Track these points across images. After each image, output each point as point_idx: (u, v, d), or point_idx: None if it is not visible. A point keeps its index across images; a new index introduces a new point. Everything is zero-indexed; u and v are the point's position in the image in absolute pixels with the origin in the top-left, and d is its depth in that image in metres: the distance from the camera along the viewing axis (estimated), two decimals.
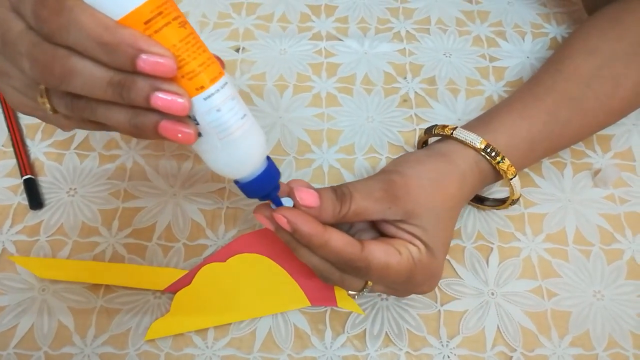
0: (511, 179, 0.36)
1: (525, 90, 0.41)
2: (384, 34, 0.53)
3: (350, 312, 0.38)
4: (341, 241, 0.31)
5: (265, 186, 0.30)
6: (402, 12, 0.55)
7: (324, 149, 0.45)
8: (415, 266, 0.32)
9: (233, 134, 0.27)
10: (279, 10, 0.54)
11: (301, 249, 0.32)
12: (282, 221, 0.30)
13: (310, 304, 0.37)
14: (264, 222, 0.32)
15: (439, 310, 0.38)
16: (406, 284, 0.33)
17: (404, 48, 0.52)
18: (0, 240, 0.39)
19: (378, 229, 0.35)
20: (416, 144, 0.44)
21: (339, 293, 0.38)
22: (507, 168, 0.36)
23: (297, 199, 0.31)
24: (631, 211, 0.43)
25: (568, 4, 0.56)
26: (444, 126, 0.37)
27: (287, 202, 0.31)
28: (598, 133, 0.46)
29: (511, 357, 0.36)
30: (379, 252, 0.31)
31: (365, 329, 0.37)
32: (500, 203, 0.41)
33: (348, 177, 0.44)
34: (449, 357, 0.36)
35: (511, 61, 0.52)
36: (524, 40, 0.53)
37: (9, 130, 0.44)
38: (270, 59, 0.51)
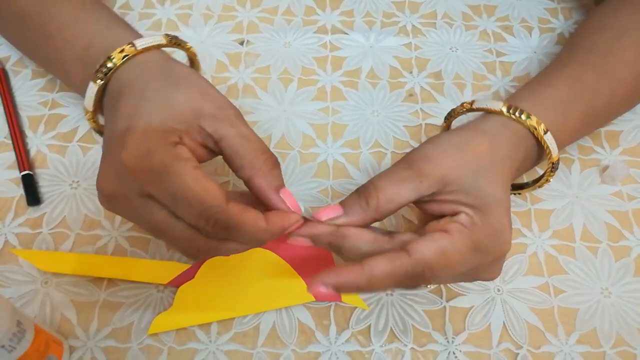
0: (544, 135, 0.34)
1: (545, 68, 0.41)
2: (389, 28, 0.53)
3: (355, 308, 0.37)
4: (385, 262, 0.28)
5: None
6: (408, 5, 0.54)
7: (328, 143, 0.45)
8: (473, 233, 0.29)
9: None
10: (284, 3, 0.54)
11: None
12: (323, 292, 0.29)
13: (314, 299, 0.37)
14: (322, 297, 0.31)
15: (445, 306, 0.38)
16: (477, 257, 0.30)
17: (410, 42, 0.52)
18: (3, 232, 0.39)
19: (425, 217, 0.33)
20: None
21: None
22: (537, 124, 0.34)
23: (319, 219, 0.31)
24: (639, 208, 0.42)
25: None
26: (462, 104, 0.36)
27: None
28: (606, 128, 0.46)
29: (517, 354, 0.36)
30: (425, 245, 0.29)
31: (370, 325, 0.37)
32: (539, 179, 0.38)
33: (353, 172, 0.43)
34: (454, 353, 0.36)
35: (518, 56, 0.51)
36: (531, 35, 0.53)
37: (9, 126, 0.44)
38: (274, 52, 0.50)
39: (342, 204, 0.31)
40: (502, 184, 0.32)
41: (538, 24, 0.54)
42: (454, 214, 0.30)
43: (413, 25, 0.53)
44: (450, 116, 0.38)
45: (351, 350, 0.36)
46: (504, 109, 0.34)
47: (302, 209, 0.33)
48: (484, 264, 0.30)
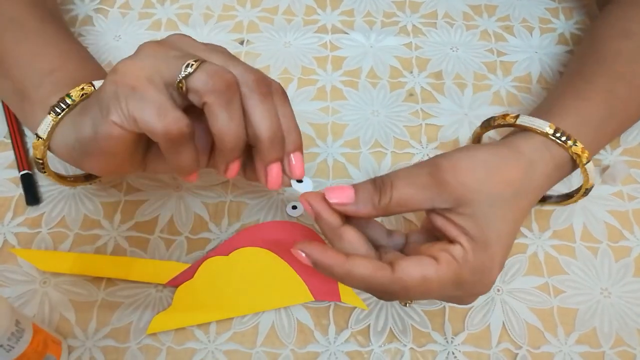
0: (585, 163, 0.33)
1: (572, 78, 0.39)
2: (390, 28, 0.52)
3: (354, 308, 0.37)
4: (367, 268, 0.28)
5: None
6: (409, 5, 0.54)
7: (328, 142, 0.45)
8: (461, 268, 0.29)
9: None
10: (284, 3, 0.54)
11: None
12: (301, 257, 0.29)
13: (313, 299, 0.37)
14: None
15: (444, 306, 0.37)
16: (455, 290, 0.29)
17: (411, 42, 0.52)
18: (2, 232, 0.39)
19: (427, 224, 0.32)
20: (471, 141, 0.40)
21: (343, 288, 0.37)
22: (581, 152, 0.33)
23: (329, 200, 0.30)
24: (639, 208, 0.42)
25: None
26: (504, 115, 0.35)
27: (305, 186, 0.32)
28: None
29: (517, 354, 0.36)
30: (412, 268, 0.28)
31: (369, 325, 0.37)
32: (566, 198, 0.37)
33: (353, 172, 0.43)
34: (453, 353, 0.36)
35: (519, 56, 0.51)
36: (531, 35, 0.53)
37: (8, 125, 0.44)
38: (274, 51, 0.50)
39: (355, 190, 0.31)
40: (514, 219, 0.30)
41: (539, 23, 0.54)
42: (452, 241, 0.29)
43: (413, 25, 0.53)
44: (490, 125, 0.37)
45: (350, 350, 0.36)
46: (550, 131, 0.32)
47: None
48: (459, 296, 0.30)
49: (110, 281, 0.38)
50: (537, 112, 0.37)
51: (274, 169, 0.32)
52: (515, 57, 0.51)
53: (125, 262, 0.38)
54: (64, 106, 0.32)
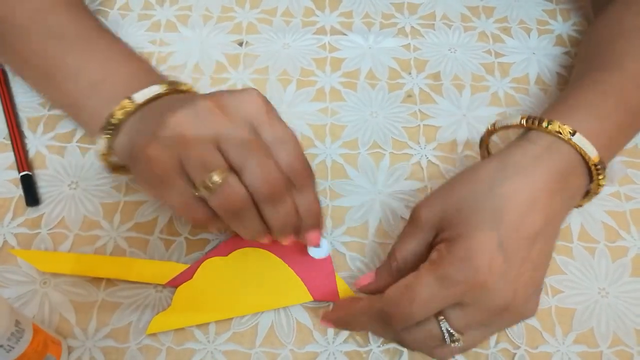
0: (573, 135, 0.33)
1: (584, 80, 0.39)
2: (388, 29, 0.53)
3: None
4: (364, 302, 0.32)
5: None
6: (407, 7, 0.55)
7: (327, 143, 0.45)
8: (438, 265, 0.29)
9: None
10: (283, 4, 0.54)
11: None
12: (330, 325, 0.35)
13: (312, 299, 0.37)
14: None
15: None
16: (445, 288, 0.29)
17: (409, 43, 0.52)
18: (1, 233, 0.39)
19: None
20: (483, 137, 0.39)
21: (342, 288, 0.37)
22: (559, 127, 0.33)
23: (357, 285, 0.35)
24: (637, 208, 0.42)
25: (574, 0, 0.56)
26: (487, 129, 0.37)
27: (321, 251, 0.36)
28: None
29: (515, 354, 0.36)
30: (396, 284, 0.30)
31: None
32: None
33: (351, 172, 0.43)
34: None
35: (517, 57, 0.51)
36: (529, 37, 0.53)
37: (8, 126, 0.44)
38: (273, 53, 0.50)
39: (375, 272, 0.35)
40: (496, 205, 0.30)
41: (536, 25, 0.54)
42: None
43: (412, 27, 0.53)
44: (482, 141, 0.39)
45: (349, 350, 0.36)
46: (596, 160, 0.32)
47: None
48: (458, 294, 0.29)
49: (110, 282, 0.38)
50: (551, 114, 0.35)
51: (287, 240, 0.33)
52: (513, 59, 0.51)
53: (124, 262, 0.38)
54: (112, 127, 0.33)
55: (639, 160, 0.45)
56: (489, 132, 0.38)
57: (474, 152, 0.45)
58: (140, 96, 0.33)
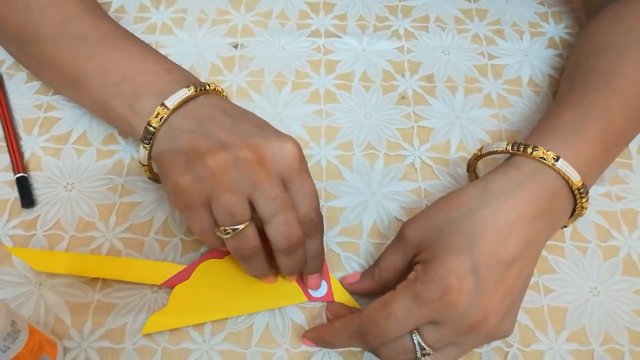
0: (556, 161, 0.33)
1: (570, 99, 0.39)
2: (382, 32, 0.53)
3: (349, 307, 0.38)
4: (343, 319, 0.33)
5: None
6: (401, 9, 0.55)
7: (322, 145, 0.45)
8: (414, 284, 0.31)
9: None
10: (278, 7, 0.54)
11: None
12: (310, 344, 0.35)
13: (307, 300, 0.37)
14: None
15: None
16: (420, 306, 0.30)
17: (403, 46, 0.52)
18: None
19: None
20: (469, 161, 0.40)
21: (336, 289, 0.38)
22: (544, 154, 0.33)
23: (344, 282, 0.38)
24: (628, 208, 0.43)
25: (566, 3, 0.57)
26: (473, 154, 0.38)
27: (321, 290, 0.38)
28: None
29: (507, 352, 0.36)
30: (374, 302, 0.32)
31: None
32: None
33: (346, 173, 0.44)
34: None
35: (509, 59, 0.52)
36: (522, 39, 0.53)
37: (3, 128, 0.44)
38: (268, 55, 0.51)
39: (362, 273, 0.38)
40: (468, 234, 0.31)
41: (529, 27, 0.54)
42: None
43: (405, 29, 0.53)
44: (470, 166, 0.40)
45: (343, 349, 0.36)
46: (579, 184, 0.33)
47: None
48: (430, 313, 0.30)
49: (105, 282, 0.38)
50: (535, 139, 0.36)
51: (291, 279, 0.38)
52: (506, 61, 0.52)
53: (121, 262, 0.38)
54: (150, 135, 0.34)
55: (629, 160, 0.45)
56: (476, 157, 0.38)
57: (467, 154, 0.45)
58: (172, 101, 0.34)
